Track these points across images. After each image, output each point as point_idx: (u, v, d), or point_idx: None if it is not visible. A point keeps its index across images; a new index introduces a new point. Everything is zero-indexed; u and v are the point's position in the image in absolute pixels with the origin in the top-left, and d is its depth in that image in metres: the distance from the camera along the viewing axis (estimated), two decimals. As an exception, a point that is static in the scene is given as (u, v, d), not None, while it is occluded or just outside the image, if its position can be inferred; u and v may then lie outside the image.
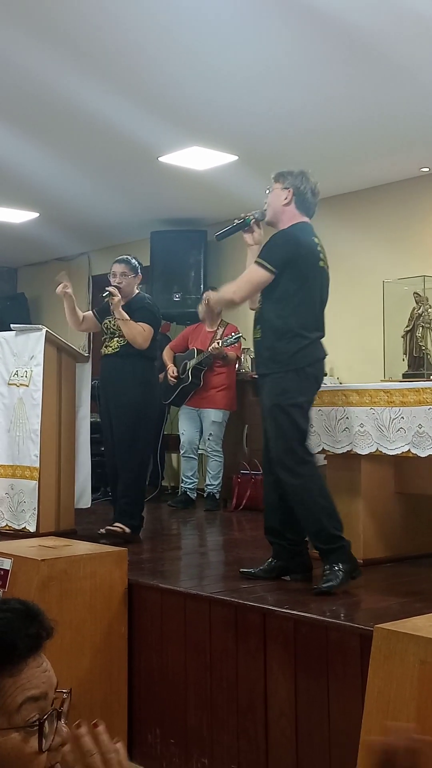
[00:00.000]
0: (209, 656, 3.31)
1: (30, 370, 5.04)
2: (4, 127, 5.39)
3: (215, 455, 6.55)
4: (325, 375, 3.89)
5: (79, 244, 8.72)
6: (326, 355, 3.72)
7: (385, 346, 6.52)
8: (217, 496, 6.52)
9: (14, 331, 5.19)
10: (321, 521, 3.53)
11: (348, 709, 2.80)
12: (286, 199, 3.71)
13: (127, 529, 4.76)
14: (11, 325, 5.26)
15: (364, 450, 3.96)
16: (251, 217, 3.82)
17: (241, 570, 3.79)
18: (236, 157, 6.00)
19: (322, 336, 3.70)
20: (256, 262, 3.62)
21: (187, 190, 6.81)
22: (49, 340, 5.03)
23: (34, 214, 7.58)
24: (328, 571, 3.48)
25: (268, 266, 3.57)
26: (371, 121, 5.34)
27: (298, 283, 3.58)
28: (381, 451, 3.91)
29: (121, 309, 4.82)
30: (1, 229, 8.02)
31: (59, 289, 4.93)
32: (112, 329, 4.96)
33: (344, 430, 4.05)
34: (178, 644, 3.45)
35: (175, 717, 3.42)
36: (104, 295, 4.90)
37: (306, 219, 3.74)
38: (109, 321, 4.97)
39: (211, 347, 6.44)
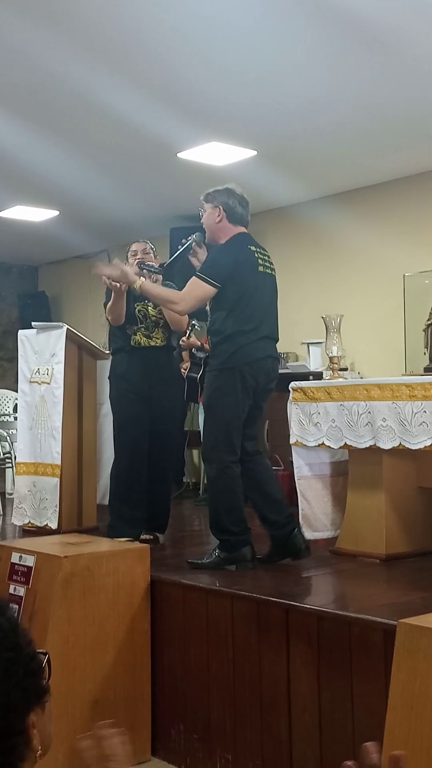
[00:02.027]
0: (232, 652, 3.30)
1: (51, 368, 5.06)
2: (24, 126, 5.41)
3: None
4: (345, 369, 3.99)
5: (99, 241, 8.74)
6: (269, 355, 3.92)
7: (406, 340, 6.49)
8: None
9: (35, 329, 5.22)
10: (219, 513, 3.85)
11: (371, 704, 2.79)
12: (218, 216, 3.95)
13: (163, 531, 4.76)
14: (32, 323, 5.29)
15: (386, 444, 3.94)
16: (192, 241, 4.08)
17: (189, 560, 3.99)
18: (255, 152, 5.98)
19: (267, 336, 3.90)
20: (199, 277, 3.85)
21: (206, 185, 6.75)
22: (70, 337, 5.04)
23: (54, 212, 7.60)
24: (210, 552, 3.89)
25: (212, 281, 3.80)
26: (390, 114, 5.30)
27: (239, 291, 3.82)
28: (404, 446, 3.88)
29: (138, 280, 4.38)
30: (22, 227, 8.06)
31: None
32: (152, 317, 4.60)
33: (366, 424, 4.03)
34: (200, 640, 3.45)
35: (199, 712, 3.42)
36: (145, 271, 4.39)
37: (242, 229, 3.97)
38: (146, 307, 4.59)
39: (180, 340, 6.48)
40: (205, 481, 3.97)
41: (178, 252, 4.12)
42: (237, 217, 3.95)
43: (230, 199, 3.95)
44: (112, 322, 4.64)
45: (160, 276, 4.53)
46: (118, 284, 4.34)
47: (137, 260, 4.62)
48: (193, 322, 6.53)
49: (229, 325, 3.82)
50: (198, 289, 3.83)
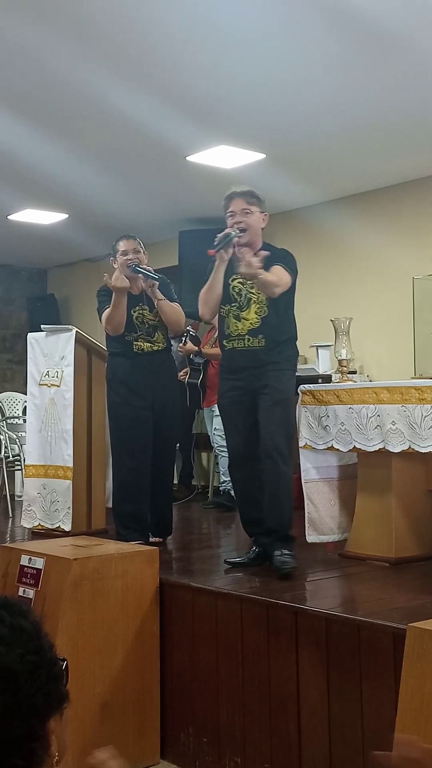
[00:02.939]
0: (241, 655, 3.30)
1: (61, 371, 5.07)
2: (34, 130, 5.43)
3: (222, 450, 6.49)
4: (354, 372, 4.08)
5: (108, 244, 8.65)
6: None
7: (415, 343, 6.47)
8: (232, 493, 6.41)
9: (44, 332, 5.23)
10: (290, 508, 3.85)
11: (381, 708, 2.79)
12: (264, 222, 4.01)
13: (167, 536, 4.77)
14: (41, 326, 5.30)
15: (396, 447, 3.94)
16: (237, 232, 3.94)
17: (227, 560, 3.99)
18: (264, 156, 5.98)
19: None
20: (284, 268, 3.86)
21: (215, 188, 6.76)
22: (79, 340, 5.06)
23: (64, 216, 7.62)
24: (287, 557, 3.72)
25: (293, 275, 3.90)
26: (399, 117, 5.30)
27: (293, 296, 3.99)
28: (413, 449, 3.88)
29: (158, 292, 4.48)
30: (31, 230, 8.07)
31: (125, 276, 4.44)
32: (149, 321, 4.56)
33: (376, 427, 4.03)
34: (209, 643, 3.45)
35: (208, 715, 3.42)
36: (143, 275, 4.40)
37: None
38: (142, 312, 4.57)
39: (178, 346, 6.50)
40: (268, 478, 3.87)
41: (225, 239, 3.89)
42: None
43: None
44: (112, 332, 4.51)
45: (157, 282, 4.50)
46: (124, 286, 4.38)
47: (129, 261, 4.53)
48: (188, 327, 6.54)
49: (294, 327, 4.01)
50: (286, 277, 3.87)
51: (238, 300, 3.98)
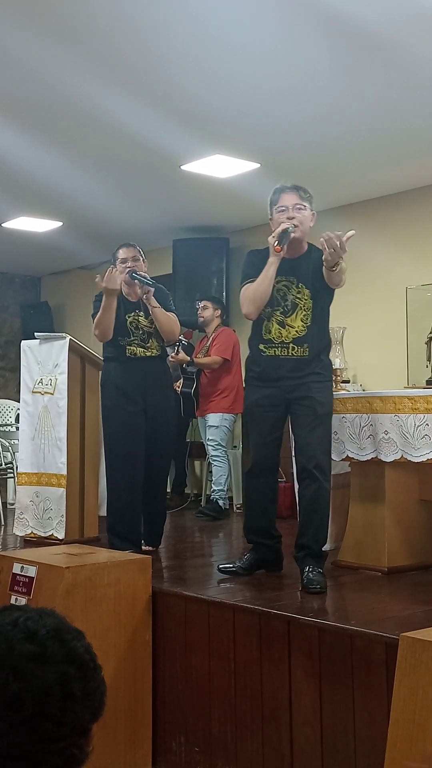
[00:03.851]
0: (233, 664, 3.30)
1: (54, 378, 5.07)
2: (29, 138, 5.43)
3: (215, 460, 6.49)
4: (347, 381, 4.05)
5: (102, 252, 8.72)
6: None
7: (408, 353, 6.49)
8: (221, 502, 6.39)
9: (38, 340, 5.23)
10: (327, 526, 3.81)
11: (373, 718, 2.79)
12: (312, 222, 3.83)
13: (158, 545, 4.76)
14: (35, 334, 5.30)
15: (389, 457, 3.95)
16: (292, 230, 3.71)
17: (220, 566, 3.96)
18: (258, 165, 6.00)
19: None
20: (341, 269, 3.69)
21: (209, 197, 6.82)
22: (73, 348, 5.06)
23: (58, 223, 7.63)
24: (316, 574, 3.64)
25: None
26: (393, 128, 5.33)
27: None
28: (406, 458, 3.89)
29: (153, 300, 4.46)
30: (25, 238, 8.08)
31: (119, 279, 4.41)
32: (143, 327, 4.55)
33: (368, 437, 4.04)
34: (202, 652, 3.45)
35: (200, 724, 3.41)
36: (139, 281, 4.42)
37: None
38: (137, 318, 4.55)
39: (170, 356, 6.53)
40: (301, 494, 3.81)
41: (286, 235, 3.67)
42: None
43: None
44: (100, 337, 4.54)
45: (153, 289, 4.50)
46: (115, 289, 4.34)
47: (128, 268, 4.53)
48: (180, 337, 6.56)
49: (329, 335, 3.95)
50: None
51: (283, 304, 3.77)
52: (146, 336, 4.55)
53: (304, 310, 3.77)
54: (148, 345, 4.55)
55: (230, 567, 3.95)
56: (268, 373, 3.78)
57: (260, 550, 3.94)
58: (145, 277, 4.50)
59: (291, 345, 3.75)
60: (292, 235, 3.67)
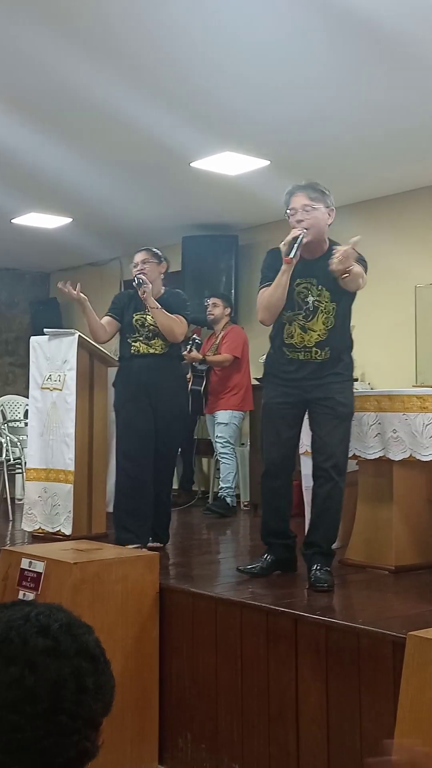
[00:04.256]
0: (240, 661, 3.30)
1: (63, 375, 5.08)
2: (39, 134, 5.44)
3: (223, 457, 6.51)
4: (355, 380, 4.01)
5: (112, 248, 8.77)
6: None
7: (417, 351, 6.48)
8: (229, 499, 6.41)
9: (47, 336, 5.24)
10: (338, 526, 3.78)
11: (380, 716, 2.79)
12: (330, 218, 3.70)
13: (165, 542, 4.77)
14: (44, 330, 5.31)
15: (397, 456, 3.94)
16: (303, 236, 3.60)
17: (239, 568, 3.89)
18: (268, 162, 6.00)
19: None
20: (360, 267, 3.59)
21: (218, 195, 6.82)
22: (82, 344, 5.06)
23: (68, 220, 7.64)
24: (323, 572, 3.63)
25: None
26: (404, 125, 5.31)
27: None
28: (414, 457, 3.89)
29: (151, 299, 4.52)
30: (35, 234, 8.09)
31: (74, 294, 4.53)
32: (149, 326, 4.60)
33: (376, 435, 4.03)
34: (209, 649, 3.45)
35: (206, 722, 3.42)
36: (135, 283, 4.57)
37: None
38: (144, 316, 4.62)
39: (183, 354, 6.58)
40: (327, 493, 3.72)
41: (297, 243, 3.56)
42: None
43: (332, 204, 3.70)
44: (94, 340, 4.78)
45: (148, 289, 4.53)
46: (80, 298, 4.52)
47: (137, 272, 4.66)
48: (193, 335, 6.58)
49: (351, 335, 3.85)
50: (363, 272, 3.67)
51: (304, 308, 3.70)
52: (151, 334, 4.60)
53: (325, 313, 3.69)
54: (152, 342, 4.58)
55: (251, 568, 3.84)
56: (290, 374, 3.75)
57: (277, 551, 3.88)
58: (141, 280, 4.57)
59: (314, 349, 3.70)
60: (304, 240, 3.57)
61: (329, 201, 3.69)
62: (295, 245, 3.55)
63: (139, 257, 4.74)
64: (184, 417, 4.72)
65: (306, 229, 3.60)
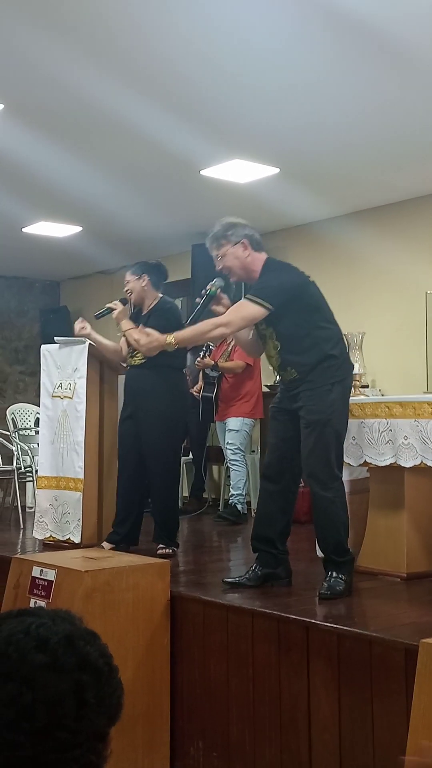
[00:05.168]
0: (252, 669, 3.29)
1: (74, 383, 5.09)
2: (49, 143, 5.47)
3: (234, 464, 6.50)
4: (366, 387, 3.97)
5: (121, 257, 8.78)
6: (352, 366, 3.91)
7: (428, 358, 6.47)
8: (240, 506, 6.39)
9: (58, 344, 5.25)
10: (341, 534, 3.69)
11: (392, 725, 2.77)
12: (245, 251, 3.80)
13: (174, 548, 4.77)
14: (55, 338, 5.32)
15: (408, 462, 3.93)
16: (215, 287, 3.89)
17: (225, 579, 3.86)
18: (278, 170, 6.01)
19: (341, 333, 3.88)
20: (250, 299, 3.68)
21: (228, 202, 6.82)
22: (92, 353, 5.07)
23: (78, 228, 7.66)
24: (332, 580, 3.62)
25: (264, 303, 3.65)
26: (414, 131, 5.31)
27: (310, 311, 3.75)
28: (426, 464, 3.87)
29: (125, 320, 4.66)
30: (45, 243, 8.12)
31: (78, 329, 4.89)
32: None
33: (387, 442, 4.02)
34: (220, 657, 3.44)
35: (218, 730, 3.41)
36: (97, 315, 4.86)
37: (265, 254, 3.85)
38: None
39: (196, 361, 6.64)
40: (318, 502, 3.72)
41: (201, 303, 3.93)
42: (259, 243, 3.85)
43: (246, 229, 3.84)
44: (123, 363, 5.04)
45: (117, 309, 4.71)
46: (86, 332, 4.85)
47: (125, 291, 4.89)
48: (209, 342, 6.59)
49: (326, 343, 3.78)
50: (245, 310, 3.69)
51: (261, 336, 3.88)
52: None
53: (271, 339, 3.79)
54: (136, 354, 4.74)
55: (235, 580, 3.81)
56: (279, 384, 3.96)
57: (266, 561, 3.83)
58: (106, 310, 4.79)
59: (280, 372, 3.85)
60: (218, 290, 3.89)
61: (234, 236, 3.80)
62: (206, 299, 3.89)
63: (125, 277, 4.94)
64: (166, 421, 4.69)
65: (223, 277, 3.90)
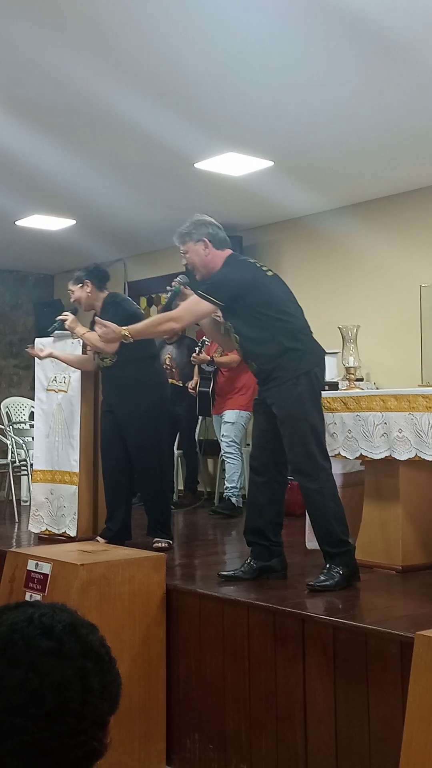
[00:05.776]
0: (247, 662, 3.30)
1: (68, 376, 5.09)
2: (42, 136, 5.45)
3: (229, 457, 6.51)
4: (361, 380, 3.97)
5: (115, 250, 8.78)
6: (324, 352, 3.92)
7: (422, 351, 6.47)
8: (234, 500, 6.40)
9: (52, 338, 5.24)
10: (332, 525, 3.66)
11: (388, 717, 2.78)
12: (205, 249, 3.87)
13: (169, 541, 4.77)
14: (49, 332, 5.31)
15: (403, 455, 3.94)
16: (178, 284, 4.07)
17: (220, 573, 3.88)
18: (272, 163, 6.00)
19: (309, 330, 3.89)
20: (200, 295, 3.76)
21: (222, 196, 6.82)
22: (87, 346, 5.05)
23: (71, 222, 7.64)
24: (326, 571, 3.62)
25: (213, 299, 3.73)
26: (408, 125, 5.31)
27: (263, 305, 3.74)
28: (420, 457, 3.88)
29: (78, 327, 4.71)
30: (39, 236, 8.10)
31: (37, 353, 5.06)
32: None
33: (382, 435, 4.03)
34: (216, 649, 3.45)
35: (214, 722, 3.42)
36: (50, 331, 5.04)
37: (228, 251, 3.91)
38: None
39: (192, 356, 6.68)
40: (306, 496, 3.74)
41: (167, 300, 4.13)
42: (222, 241, 3.90)
43: (209, 227, 3.90)
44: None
45: (68, 319, 4.81)
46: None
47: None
48: (203, 337, 6.60)
49: (286, 337, 3.76)
50: (194, 306, 3.80)
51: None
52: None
53: (232, 333, 3.87)
54: (105, 357, 4.73)
55: (230, 573, 3.84)
56: None
57: (260, 554, 3.84)
58: (57, 325, 5.01)
59: (247, 364, 3.92)
60: (183, 288, 4.06)
61: (196, 234, 3.88)
62: (172, 296, 4.07)
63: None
64: (146, 413, 4.66)
65: (186, 274, 4.12)
